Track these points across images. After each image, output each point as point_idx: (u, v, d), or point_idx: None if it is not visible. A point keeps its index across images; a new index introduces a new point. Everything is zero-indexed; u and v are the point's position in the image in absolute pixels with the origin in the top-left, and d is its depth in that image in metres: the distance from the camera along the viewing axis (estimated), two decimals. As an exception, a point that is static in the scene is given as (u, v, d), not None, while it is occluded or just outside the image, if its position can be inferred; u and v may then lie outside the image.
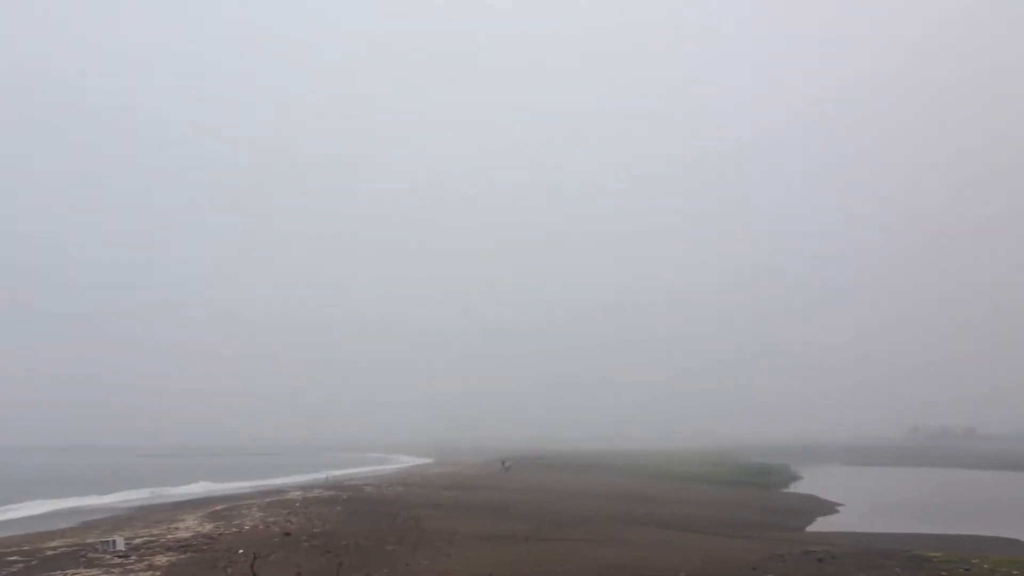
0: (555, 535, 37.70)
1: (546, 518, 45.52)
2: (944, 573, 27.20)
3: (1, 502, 66.73)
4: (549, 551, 32.29)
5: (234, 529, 40.17)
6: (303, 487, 77.62)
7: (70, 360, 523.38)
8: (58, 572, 27.86)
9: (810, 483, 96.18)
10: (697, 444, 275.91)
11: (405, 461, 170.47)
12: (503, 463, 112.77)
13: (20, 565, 30.12)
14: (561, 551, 32.36)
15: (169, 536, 37.88)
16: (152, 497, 75.64)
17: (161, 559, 30.17)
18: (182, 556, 30.89)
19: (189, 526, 42.72)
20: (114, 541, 33.60)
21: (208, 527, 41.74)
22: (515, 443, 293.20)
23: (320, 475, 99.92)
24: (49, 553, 33.43)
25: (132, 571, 27.50)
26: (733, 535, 42.01)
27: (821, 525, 53.44)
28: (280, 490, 74.51)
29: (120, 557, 30.93)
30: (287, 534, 36.90)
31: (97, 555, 31.71)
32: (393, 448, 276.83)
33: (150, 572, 27.18)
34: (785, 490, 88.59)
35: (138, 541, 35.80)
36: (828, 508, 64.74)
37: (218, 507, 55.53)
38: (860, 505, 68.45)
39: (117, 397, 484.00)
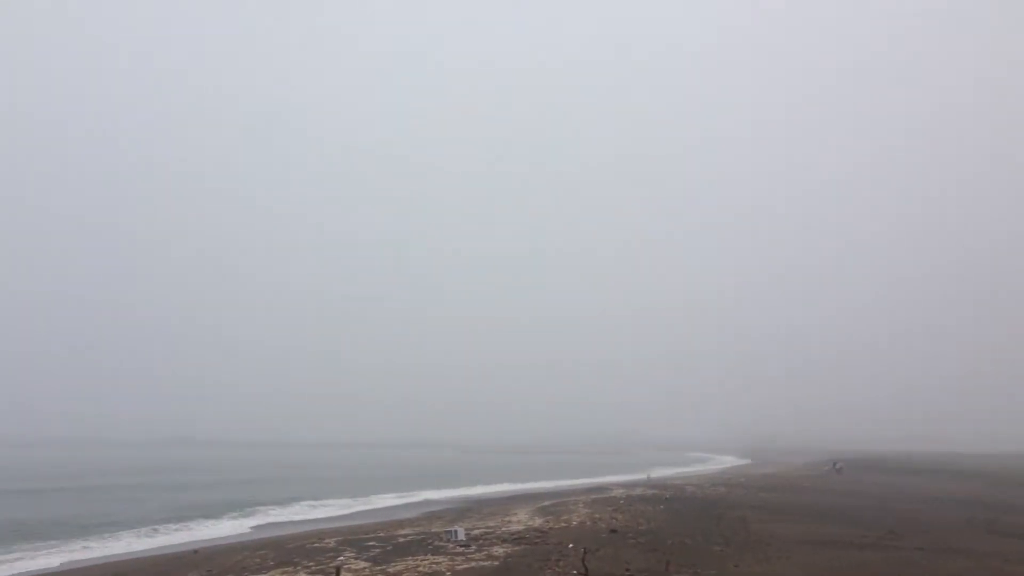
0: (891, 542, 34.87)
1: (881, 524, 42.28)
2: None
3: (363, 494, 74.67)
4: (885, 559, 29.91)
5: (562, 524, 41.51)
6: (625, 485, 78.72)
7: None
8: (409, 557, 30.36)
9: None
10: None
11: (724, 461, 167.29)
12: (834, 464, 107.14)
13: (377, 550, 33.27)
14: (899, 560, 29.85)
15: (503, 528, 39.95)
16: (487, 492, 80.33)
17: (498, 550, 31.85)
18: (516, 548, 32.39)
19: (521, 520, 44.81)
20: (456, 531, 36.06)
21: (538, 521, 43.52)
22: (841, 444, 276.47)
23: (640, 475, 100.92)
24: (401, 540, 36.62)
25: (473, 560, 29.28)
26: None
27: None
28: (603, 488, 76.08)
29: (462, 546, 33.11)
30: (613, 531, 37.45)
31: (441, 543, 34.21)
32: (710, 448, 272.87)
33: (489, 562, 28.76)
34: None
35: (476, 532, 38.15)
36: None
37: (546, 502, 57.79)
38: None
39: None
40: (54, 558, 37.16)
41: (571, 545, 32.10)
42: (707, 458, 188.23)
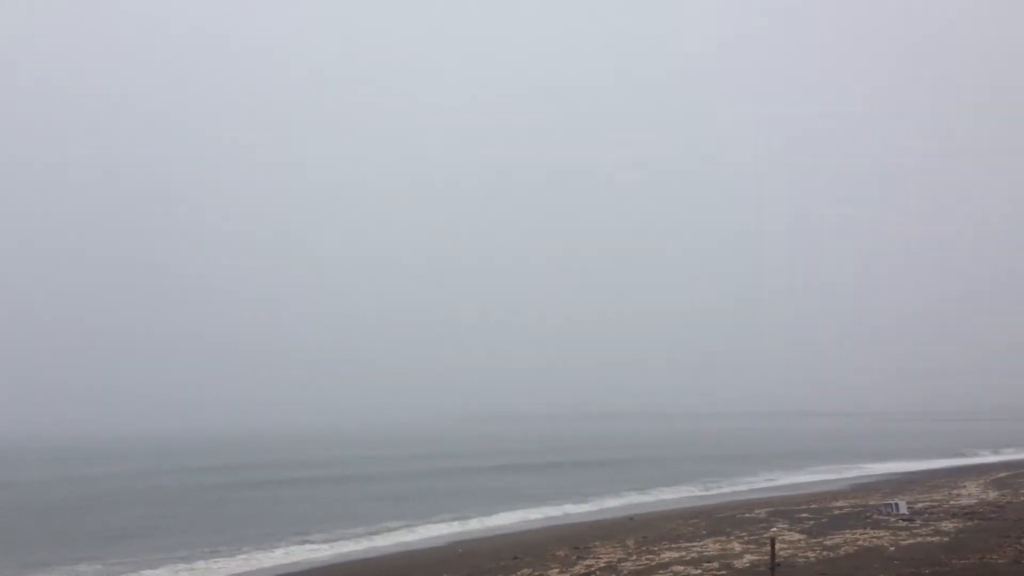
0: None
1: None
2: None
3: (792, 467, 72.88)
4: None
5: (1022, 498, 36.61)
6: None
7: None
8: (846, 531, 28.60)
9: None
10: None
11: None
12: None
13: (811, 522, 31.87)
14: None
15: (951, 502, 36.13)
16: (926, 465, 73.91)
17: (947, 525, 28.80)
18: (968, 523, 29.04)
19: (971, 493, 40.26)
20: (896, 504, 33.33)
21: (992, 494, 38.75)
22: None
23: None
24: (835, 512, 34.76)
25: (919, 535, 26.75)
26: None
27: None
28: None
29: (904, 520, 30.52)
30: (1089, 507, 32.16)
31: (881, 517, 31.80)
32: None
33: (937, 537, 26.09)
34: None
35: (919, 506, 34.93)
36: None
37: (1001, 474, 51.52)
38: None
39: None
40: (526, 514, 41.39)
41: (1036, 522, 28.09)
42: None
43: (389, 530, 38.67)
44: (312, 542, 35.49)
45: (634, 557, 25.53)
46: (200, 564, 31.09)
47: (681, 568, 22.94)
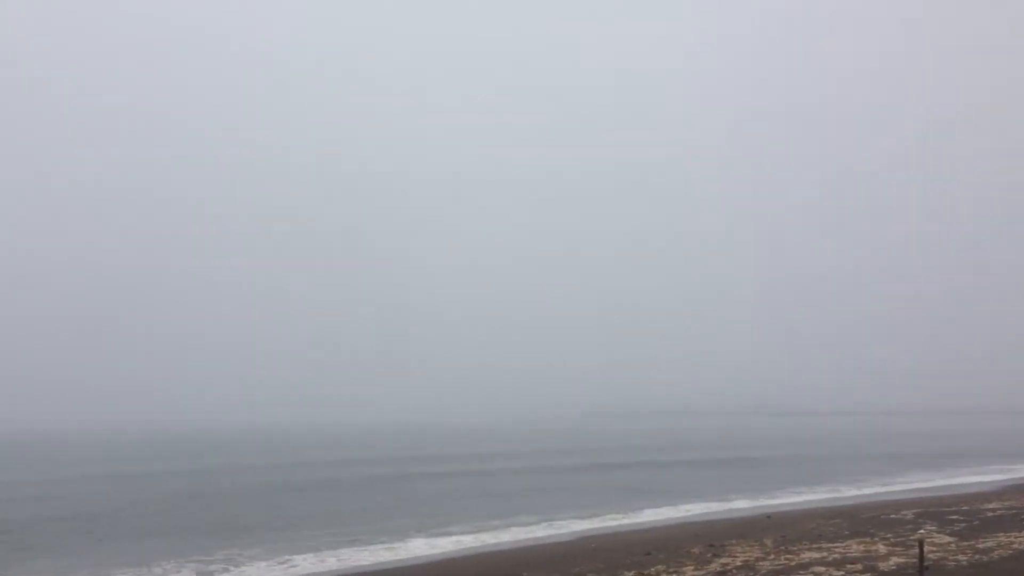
0: None
1: None
2: None
3: (940, 467, 69.38)
4: None
5: None
6: None
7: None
8: (1000, 534, 27.08)
9: None
10: None
11: None
12: None
13: (962, 524, 30.34)
14: None
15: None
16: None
17: (1115, 530, 26.95)
18: None
19: None
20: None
21: None
22: None
23: None
24: (988, 514, 32.95)
25: (1082, 540, 25.15)
26: None
27: None
28: None
29: (1066, 524, 28.71)
30: None
31: (1039, 521, 30.06)
32: None
33: (1104, 543, 24.45)
34: None
35: (1083, 509, 32.82)
36: None
37: None
38: None
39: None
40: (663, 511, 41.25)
41: None
42: None
43: (524, 524, 39.21)
44: (451, 533, 36.39)
45: (772, 556, 24.98)
46: (344, 552, 32.32)
47: (823, 569, 22.29)
